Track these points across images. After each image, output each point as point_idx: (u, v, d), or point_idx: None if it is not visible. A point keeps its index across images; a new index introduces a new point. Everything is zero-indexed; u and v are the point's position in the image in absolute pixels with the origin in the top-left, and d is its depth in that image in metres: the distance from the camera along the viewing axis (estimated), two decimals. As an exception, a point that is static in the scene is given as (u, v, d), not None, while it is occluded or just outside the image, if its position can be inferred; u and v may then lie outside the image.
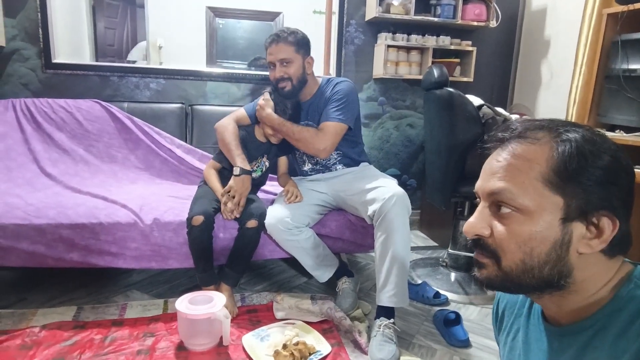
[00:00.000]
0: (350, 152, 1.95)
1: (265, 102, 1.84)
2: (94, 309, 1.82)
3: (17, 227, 1.68)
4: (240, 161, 1.81)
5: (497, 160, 0.61)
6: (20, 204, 1.81)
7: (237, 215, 1.78)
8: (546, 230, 0.56)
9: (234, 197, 1.77)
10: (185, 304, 1.55)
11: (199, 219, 1.68)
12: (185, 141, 2.46)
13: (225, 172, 1.90)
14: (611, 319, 0.56)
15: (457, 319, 1.75)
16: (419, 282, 2.11)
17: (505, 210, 0.58)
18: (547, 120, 0.61)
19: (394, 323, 1.63)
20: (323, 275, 1.90)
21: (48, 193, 1.99)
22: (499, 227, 0.58)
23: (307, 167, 1.99)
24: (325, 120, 1.81)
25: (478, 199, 0.64)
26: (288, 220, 1.74)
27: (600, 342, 0.56)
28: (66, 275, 1.93)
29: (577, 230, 0.56)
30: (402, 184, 2.51)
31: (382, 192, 1.69)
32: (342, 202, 1.91)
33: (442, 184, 2.16)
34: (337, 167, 1.95)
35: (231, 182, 1.78)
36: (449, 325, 1.71)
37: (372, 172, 1.92)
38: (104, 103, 2.36)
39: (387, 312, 1.66)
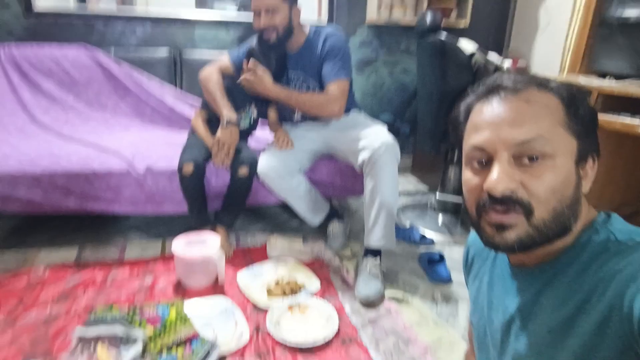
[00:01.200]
0: None
1: (254, 73, 1.75)
2: (94, 249, 1.90)
3: (12, 176, 1.71)
4: (226, 112, 1.80)
5: (510, 108, 0.57)
6: (14, 153, 1.83)
7: (228, 164, 1.81)
8: (570, 173, 0.56)
9: (224, 147, 1.79)
10: (182, 246, 1.62)
11: (189, 167, 1.72)
12: (175, 87, 2.44)
13: (214, 119, 1.91)
14: (571, 261, 0.58)
15: (441, 259, 1.84)
16: (408, 226, 2.19)
17: (533, 158, 0.55)
18: (524, 76, 0.61)
19: (380, 262, 1.72)
20: (314, 219, 1.97)
21: (40, 141, 2.00)
22: (530, 176, 0.55)
23: (297, 116, 1.99)
24: (329, 80, 1.79)
25: (480, 154, 0.60)
26: (279, 167, 1.78)
27: (559, 282, 0.59)
28: (66, 216, 1.98)
29: (581, 171, 0.59)
30: (395, 129, 2.53)
31: (371, 140, 1.72)
32: (333, 149, 1.94)
33: (432, 131, 2.19)
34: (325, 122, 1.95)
35: (219, 133, 1.78)
36: (432, 265, 1.81)
37: (362, 120, 1.93)
38: (90, 49, 2.31)
39: (374, 252, 1.74)
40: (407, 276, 1.78)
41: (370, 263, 1.68)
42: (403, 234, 2.08)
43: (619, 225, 0.59)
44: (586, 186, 0.60)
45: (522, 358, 0.63)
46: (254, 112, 1.95)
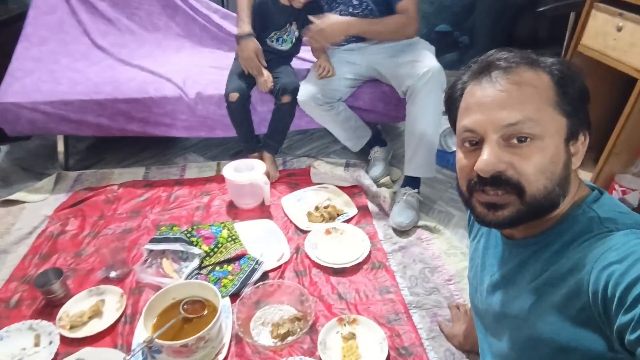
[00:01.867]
0: None
1: (319, 30, 1.68)
2: (159, 169, 2.12)
3: (81, 102, 1.90)
4: (240, 25, 1.78)
5: (500, 90, 0.59)
6: (81, 79, 2.00)
7: (270, 85, 1.85)
8: (559, 151, 0.58)
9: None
10: (231, 171, 1.77)
11: (234, 96, 1.79)
12: (222, 6, 2.41)
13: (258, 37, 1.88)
14: (555, 237, 0.61)
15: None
16: (453, 149, 2.17)
17: (522, 139, 0.57)
18: (517, 53, 0.61)
19: (418, 192, 1.77)
20: (355, 145, 2.02)
21: (103, 66, 2.15)
22: (519, 157, 0.58)
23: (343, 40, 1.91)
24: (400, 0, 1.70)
25: (471, 135, 0.62)
26: (319, 96, 1.80)
27: (541, 256, 0.63)
28: (134, 138, 2.20)
29: (572, 148, 0.61)
30: (453, 40, 2.37)
31: (417, 67, 1.66)
32: (377, 74, 1.89)
33: (489, 47, 2.02)
34: (374, 41, 1.86)
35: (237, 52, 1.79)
36: (470, 194, 1.83)
37: (409, 43, 1.83)
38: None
39: (413, 181, 1.79)
40: (444, 204, 1.83)
41: (408, 193, 1.74)
42: (447, 159, 2.08)
43: (607, 207, 0.60)
44: (577, 162, 0.62)
45: (501, 317, 0.70)
46: (295, 32, 1.91)
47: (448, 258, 1.53)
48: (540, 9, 1.77)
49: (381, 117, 2.03)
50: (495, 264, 0.73)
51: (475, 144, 0.62)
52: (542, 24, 2.26)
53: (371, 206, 1.81)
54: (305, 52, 2.18)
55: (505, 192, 0.59)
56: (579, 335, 0.55)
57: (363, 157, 2.11)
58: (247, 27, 1.78)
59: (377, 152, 2.02)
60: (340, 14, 1.78)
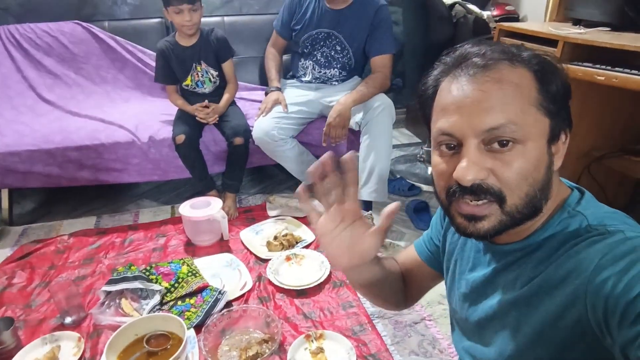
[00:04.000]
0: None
1: (335, 128, 1.87)
2: (111, 217, 2.09)
3: (29, 152, 1.88)
4: (269, 84, 2.07)
5: (480, 90, 0.53)
6: (27, 131, 1.98)
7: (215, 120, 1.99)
8: (541, 155, 0.54)
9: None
10: (188, 208, 1.80)
11: (181, 138, 1.88)
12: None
13: (182, 88, 2.05)
14: (540, 243, 0.58)
15: (426, 207, 2.00)
16: (398, 177, 2.33)
17: (503, 143, 0.53)
18: (495, 47, 0.57)
19: (371, 214, 1.88)
20: (307, 179, 2.12)
21: (50, 118, 2.15)
22: (500, 163, 0.53)
23: (307, 77, 2.07)
24: (382, 53, 1.92)
25: (449, 139, 0.56)
26: (274, 133, 1.91)
27: (527, 263, 0.59)
28: (83, 188, 2.15)
29: (553, 148, 0.57)
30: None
31: (370, 101, 1.86)
32: (327, 110, 2.04)
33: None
34: (334, 83, 2.05)
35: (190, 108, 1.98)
36: (418, 213, 1.97)
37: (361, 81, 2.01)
38: (84, 24, 2.38)
39: (366, 205, 1.91)
40: (395, 225, 1.95)
41: (364, 214, 1.83)
42: (393, 185, 2.23)
43: (592, 208, 0.57)
44: (558, 162, 0.58)
45: (484, 324, 0.66)
46: (209, 70, 2.03)
47: (403, 271, 1.62)
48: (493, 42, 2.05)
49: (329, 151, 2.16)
50: (475, 269, 0.68)
51: (453, 147, 0.56)
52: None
53: (327, 232, 1.88)
54: (251, 94, 2.33)
55: (487, 200, 0.54)
56: (574, 346, 0.53)
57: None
58: (274, 83, 2.05)
59: (329, 183, 2.13)
60: (323, 55, 1.98)
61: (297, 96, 2.03)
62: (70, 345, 1.31)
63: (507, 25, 1.91)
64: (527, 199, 0.54)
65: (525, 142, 0.53)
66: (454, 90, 0.55)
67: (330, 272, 1.60)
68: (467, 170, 0.53)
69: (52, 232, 1.96)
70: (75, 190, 2.20)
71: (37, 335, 1.35)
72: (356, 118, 1.89)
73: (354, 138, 2.06)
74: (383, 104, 1.84)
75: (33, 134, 1.96)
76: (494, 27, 2.16)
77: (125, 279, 1.49)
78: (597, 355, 0.51)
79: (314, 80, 2.05)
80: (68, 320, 1.40)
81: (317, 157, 2.17)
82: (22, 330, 1.38)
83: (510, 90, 0.53)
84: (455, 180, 0.55)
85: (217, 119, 1.98)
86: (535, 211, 0.56)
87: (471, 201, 0.55)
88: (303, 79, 2.08)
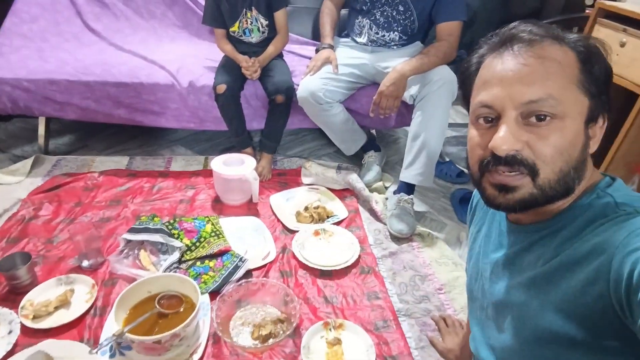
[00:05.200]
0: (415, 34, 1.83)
1: (386, 96, 1.68)
2: (143, 159, 2.04)
3: (68, 82, 1.82)
4: (322, 40, 1.89)
5: (522, 64, 0.54)
6: (70, 60, 1.92)
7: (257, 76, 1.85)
8: (578, 133, 0.55)
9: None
10: (220, 164, 1.70)
11: (222, 88, 1.75)
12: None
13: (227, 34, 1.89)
14: (567, 223, 0.58)
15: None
16: (447, 160, 2.14)
17: (541, 118, 0.53)
18: (542, 26, 0.57)
19: (412, 199, 1.72)
20: (349, 149, 1.97)
21: (94, 49, 2.07)
22: (537, 137, 0.54)
23: (363, 39, 1.86)
24: (452, 20, 1.68)
25: (488, 111, 0.57)
26: (320, 95, 1.75)
27: (551, 241, 0.59)
28: (119, 126, 2.12)
29: (590, 131, 0.57)
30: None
31: (430, 73, 1.64)
32: (381, 77, 1.85)
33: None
34: (393, 47, 1.83)
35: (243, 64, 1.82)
36: (463, 203, 1.79)
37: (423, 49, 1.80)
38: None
39: (408, 188, 1.74)
40: (435, 214, 1.79)
41: (404, 200, 1.68)
42: (440, 169, 2.04)
43: (622, 191, 0.57)
44: (594, 146, 0.58)
45: (503, 306, 0.66)
46: (260, 18, 1.85)
47: (439, 267, 1.48)
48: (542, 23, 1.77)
49: (378, 123, 1.98)
50: (498, 251, 0.69)
51: (491, 120, 0.58)
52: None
53: (362, 210, 1.75)
54: (301, 49, 2.16)
55: (519, 172, 0.55)
56: (593, 323, 0.52)
57: (355, 161, 2.06)
58: (327, 40, 1.87)
59: (371, 157, 1.97)
60: (383, 15, 1.76)
61: (350, 57, 1.84)
62: (84, 291, 1.27)
63: (609, 4, 1.61)
64: (560, 174, 0.54)
65: (563, 118, 0.53)
66: (497, 65, 0.57)
67: (359, 256, 1.48)
68: (504, 140, 0.54)
69: (84, 167, 1.93)
70: (112, 128, 2.16)
71: (54, 274, 1.32)
72: (411, 90, 1.69)
73: (405, 112, 1.88)
74: (443, 78, 1.62)
75: (74, 64, 1.89)
76: (590, 5, 1.85)
77: (146, 230, 1.44)
78: (617, 333, 0.50)
79: (370, 43, 1.83)
80: (85, 263, 1.37)
81: (364, 127, 2.03)
82: (40, 266, 1.36)
83: (552, 66, 0.54)
84: (490, 151, 0.56)
85: (260, 73, 1.84)
86: (567, 190, 0.56)
87: (504, 172, 0.56)
88: (358, 39, 1.87)
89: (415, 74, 1.66)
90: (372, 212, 1.73)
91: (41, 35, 2.03)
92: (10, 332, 1.12)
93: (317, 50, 1.90)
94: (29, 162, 1.90)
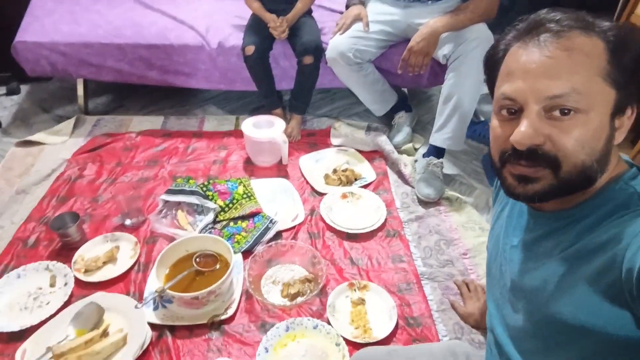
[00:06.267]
0: None
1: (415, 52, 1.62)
2: (177, 119, 2.10)
3: (101, 45, 1.86)
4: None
5: (547, 56, 0.53)
6: (101, 22, 1.95)
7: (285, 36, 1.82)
8: (602, 126, 0.54)
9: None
10: (250, 127, 1.73)
11: (250, 49, 1.74)
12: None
13: None
14: (588, 213, 0.58)
15: (506, 162, 1.77)
16: (482, 119, 2.08)
17: (565, 112, 0.53)
18: (570, 15, 0.55)
19: (442, 163, 1.70)
20: (380, 109, 1.94)
21: (124, 9, 2.08)
22: (559, 130, 0.53)
23: None
24: None
25: (511, 103, 0.56)
26: (350, 55, 1.71)
27: (571, 229, 0.59)
28: (153, 86, 2.15)
29: (617, 122, 0.56)
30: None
31: (466, 32, 1.56)
32: (414, 33, 1.77)
33: (530, 12, 1.88)
34: (428, 1, 1.72)
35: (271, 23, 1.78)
36: (495, 168, 1.76)
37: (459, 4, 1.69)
38: None
39: (438, 151, 1.71)
40: (466, 177, 1.77)
41: (433, 163, 1.67)
42: (473, 130, 1.99)
43: None
44: (620, 137, 0.57)
45: (518, 288, 0.67)
46: None
47: (465, 232, 1.49)
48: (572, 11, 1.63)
49: (409, 82, 1.93)
50: (518, 233, 0.70)
51: (514, 112, 0.57)
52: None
53: (390, 173, 1.76)
54: (332, 2, 2.09)
55: (540, 165, 0.55)
56: (604, 311, 0.53)
57: (386, 121, 2.04)
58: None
59: (401, 118, 1.94)
60: None
61: (382, 14, 1.76)
62: (128, 247, 1.38)
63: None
64: (582, 167, 0.54)
65: (587, 112, 0.52)
66: (522, 55, 0.55)
67: (386, 219, 1.51)
68: (524, 135, 0.54)
69: (122, 127, 2.01)
70: (146, 89, 2.20)
71: (100, 232, 1.44)
72: (444, 50, 1.62)
73: (439, 71, 1.81)
74: (480, 37, 1.53)
75: (106, 26, 1.92)
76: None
77: (182, 192, 1.51)
78: (626, 321, 0.51)
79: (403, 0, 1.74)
80: (128, 222, 1.47)
81: (395, 87, 1.98)
82: (88, 224, 1.47)
83: (578, 58, 0.52)
84: (511, 144, 0.56)
85: (288, 32, 1.80)
86: (589, 181, 0.56)
87: (525, 164, 0.56)
88: None
89: (448, 30, 1.58)
90: (401, 175, 1.73)
91: (72, -4, 2.06)
92: (65, 284, 1.25)
93: (347, 6, 1.83)
94: (71, 122, 2.00)
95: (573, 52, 0.52)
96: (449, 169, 1.78)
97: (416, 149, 1.90)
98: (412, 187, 1.67)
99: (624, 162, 0.60)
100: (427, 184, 1.61)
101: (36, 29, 1.88)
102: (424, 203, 1.61)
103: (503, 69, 0.59)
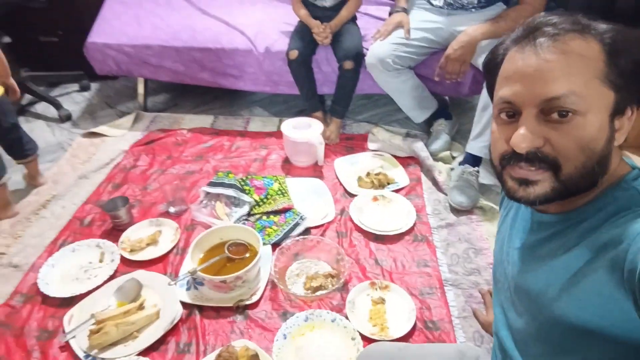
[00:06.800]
0: None
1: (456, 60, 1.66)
2: (226, 119, 2.22)
3: (161, 47, 2.02)
4: (396, 3, 1.85)
5: (544, 60, 0.54)
6: (162, 26, 2.12)
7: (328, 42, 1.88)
8: (602, 128, 0.54)
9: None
10: (290, 128, 1.81)
11: (294, 54, 1.82)
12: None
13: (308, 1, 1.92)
14: (590, 215, 0.58)
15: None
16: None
17: (563, 114, 0.53)
18: (567, 18, 0.55)
19: (478, 171, 1.69)
20: (419, 116, 1.95)
21: (183, 14, 2.25)
22: (558, 133, 0.54)
23: (439, 1, 1.77)
24: None
25: (509, 107, 0.57)
26: (389, 62, 1.74)
27: (573, 231, 0.59)
28: (205, 87, 2.29)
29: (617, 123, 0.56)
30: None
31: None
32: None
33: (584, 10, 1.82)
34: (472, 9, 1.73)
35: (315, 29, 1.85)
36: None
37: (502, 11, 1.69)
38: None
39: (474, 160, 1.70)
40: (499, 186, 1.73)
41: (468, 170, 1.66)
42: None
43: None
44: (620, 138, 0.57)
45: (521, 291, 0.68)
46: None
47: (496, 242, 1.47)
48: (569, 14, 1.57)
49: (450, 90, 1.93)
50: (521, 235, 0.70)
51: (512, 116, 0.58)
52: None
53: (425, 179, 1.77)
54: (377, 10, 2.13)
55: (540, 168, 0.56)
56: (608, 312, 0.52)
57: (426, 128, 2.04)
58: (400, 2, 1.84)
59: (440, 125, 1.94)
60: None
61: (424, 21, 1.78)
62: (170, 232, 1.50)
63: None
64: (583, 170, 0.54)
65: (585, 114, 0.53)
66: (519, 59, 0.56)
67: (415, 224, 1.52)
68: (523, 138, 0.55)
69: (175, 124, 2.17)
70: (199, 90, 2.36)
71: (147, 216, 1.57)
72: (484, 57, 1.60)
73: (481, 79, 1.80)
74: None
75: (166, 29, 2.09)
76: None
77: (222, 185, 1.62)
78: (628, 324, 0.51)
79: (446, 6, 1.75)
80: (172, 210, 1.59)
81: (435, 94, 1.99)
82: (137, 209, 1.61)
83: (575, 61, 0.53)
84: (511, 147, 0.57)
85: (331, 38, 1.87)
86: (590, 184, 0.56)
87: (525, 167, 0.57)
88: (434, 1, 1.78)
89: (487, 38, 1.57)
90: (434, 182, 1.73)
91: (138, 1, 2.25)
92: (112, 260, 1.38)
93: (390, 13, 1.87)
94: (131, 117, 2.18)
95: (570, 54, 0.53)
96: (485, 178, 1.75)
97: (454, 157, 1.89)
98: (445, 194, 1.67)
99: (627, 163, 0.60)
100: (461, 192, 1.60)
101: (105, 31, 2.09)
102: (456, 211, 1.60)
103: (501, 73, 0.60)
